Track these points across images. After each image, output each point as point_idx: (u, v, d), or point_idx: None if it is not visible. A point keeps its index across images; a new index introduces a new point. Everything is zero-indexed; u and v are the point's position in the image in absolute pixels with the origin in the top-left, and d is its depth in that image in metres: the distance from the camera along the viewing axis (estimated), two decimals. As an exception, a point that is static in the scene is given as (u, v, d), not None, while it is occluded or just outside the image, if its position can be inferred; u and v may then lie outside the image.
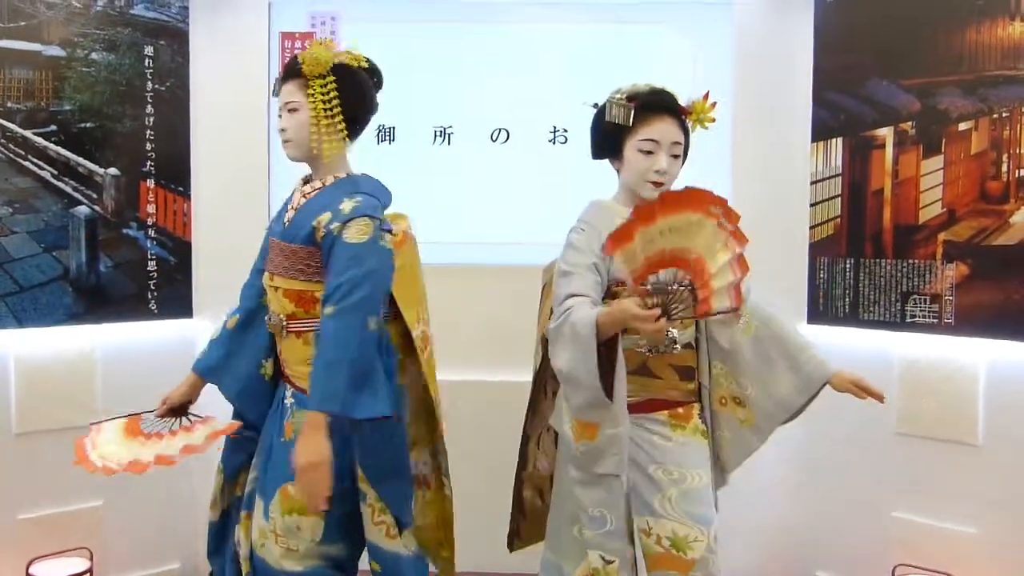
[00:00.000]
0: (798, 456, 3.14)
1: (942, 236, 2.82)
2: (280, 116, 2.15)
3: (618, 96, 2.22)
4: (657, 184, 2.18)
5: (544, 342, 2.32)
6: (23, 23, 2.80)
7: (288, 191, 2.26)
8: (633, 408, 2.16)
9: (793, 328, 2.32)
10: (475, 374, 3.16)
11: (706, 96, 2.24)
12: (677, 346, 2.20)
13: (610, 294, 2.18)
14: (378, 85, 2.30)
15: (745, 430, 2.30)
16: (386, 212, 2.18)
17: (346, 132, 2.17)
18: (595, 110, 2.35)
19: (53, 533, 2.89)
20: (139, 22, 3.00)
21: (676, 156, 2.20)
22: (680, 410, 2.25)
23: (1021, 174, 2.69)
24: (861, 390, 2.18)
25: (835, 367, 2.23)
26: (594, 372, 1.95)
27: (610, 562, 2.14)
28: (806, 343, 2.28)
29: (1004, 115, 2.73)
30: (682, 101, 2.24)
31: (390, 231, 2.12)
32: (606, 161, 3.10)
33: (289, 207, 2.19)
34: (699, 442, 2.26)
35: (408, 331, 2.19)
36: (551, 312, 2.25)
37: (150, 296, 3.04)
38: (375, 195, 2.15)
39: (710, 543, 2.13)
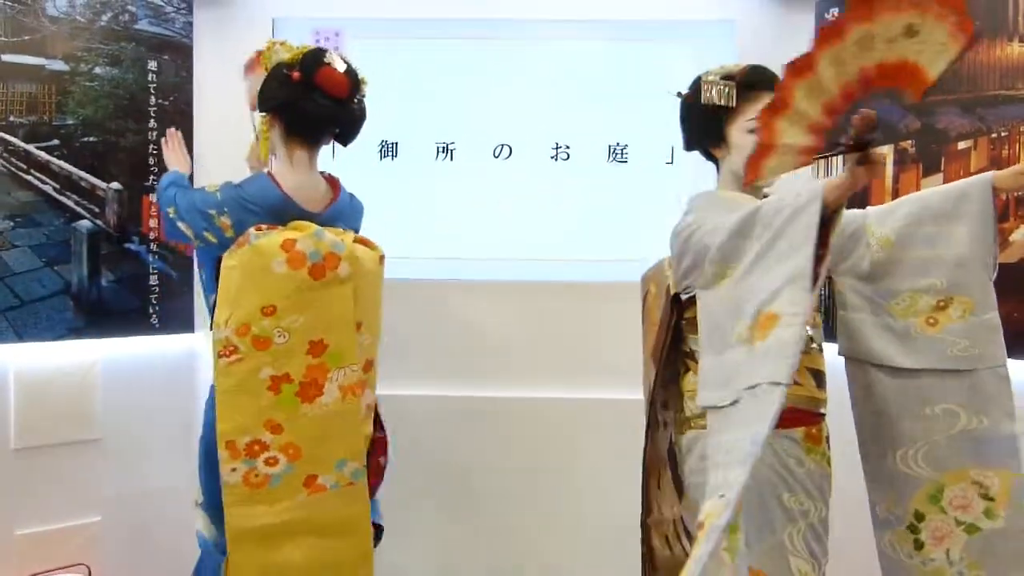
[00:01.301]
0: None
1: (942, 254, 2.83)
2: None
3: (711, 78, 2.08)
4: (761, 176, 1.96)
5: (653, 357, 2.17)
6: (27, 37, 2.80)
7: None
8: None
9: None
10: (477, 390, 3.16)
11: None
12: (814, 344, 2.04)
13: None
14: (320, 79, 2.24)
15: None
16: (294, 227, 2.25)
17: (265, 131, 2.32)
18: (681, 98, 2.20)
19: (51, 549, 2.87)
20: (143, 37, 3.01)
21: None
22: (814, 430, 2.05)
23: (1020, 194, 2.71)
24: None
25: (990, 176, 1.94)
26: (811, 242, 1.64)
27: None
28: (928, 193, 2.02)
29: (1003, 134, 2.75)
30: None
31: (221, 213, 2.24)
32: (608, 179, 3.16)
33: None
34: (825, 471, 2.07)
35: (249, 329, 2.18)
36: (665, 322, 2.11)
37: (151, 311, 3.03)
38: (241, 186, 2.28)
39: None
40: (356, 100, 2.34)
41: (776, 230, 1.73)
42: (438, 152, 3.21)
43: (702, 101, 2.07)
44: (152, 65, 3.02)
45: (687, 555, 2.07)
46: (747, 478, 1.54)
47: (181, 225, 2.33)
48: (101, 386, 2.96)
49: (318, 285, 2.19)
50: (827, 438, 2.10)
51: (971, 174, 2.74)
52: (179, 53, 3.09)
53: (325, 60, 2.25)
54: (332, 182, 2.45)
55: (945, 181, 2.84)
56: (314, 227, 2.23)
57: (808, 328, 1.96)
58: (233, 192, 2.28)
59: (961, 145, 2.82)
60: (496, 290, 3.19)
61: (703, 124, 2.13)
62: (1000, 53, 2.75)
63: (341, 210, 2.40)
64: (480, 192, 3.20)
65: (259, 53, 2.39)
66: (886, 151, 2.95)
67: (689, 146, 2.24)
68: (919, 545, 2.00)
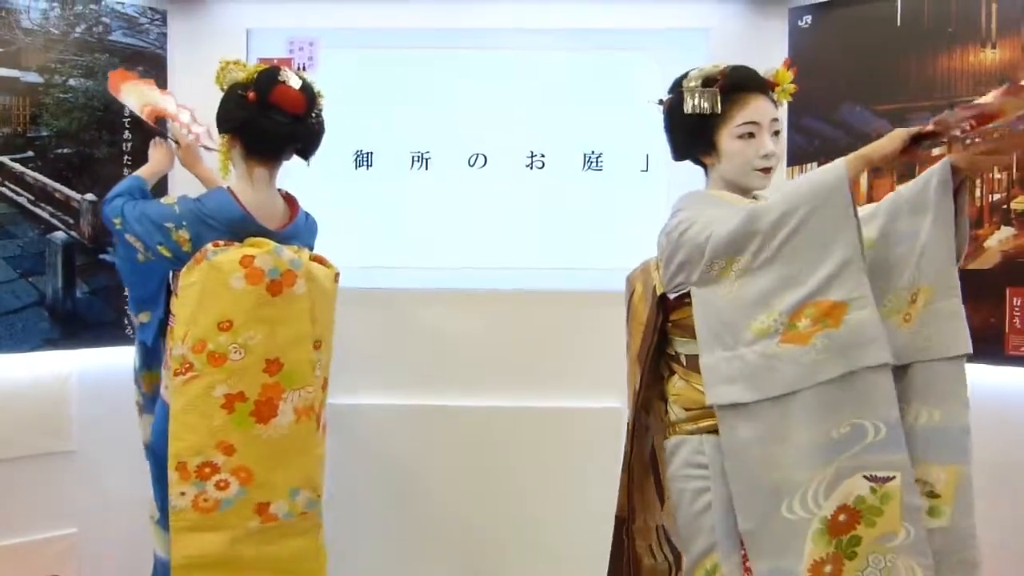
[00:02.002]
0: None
1: (917, 260, 2.83)
2: None
3: (692, 84, 1.98)
4: (765, 171, 1.98)
5: (639, 359, 2.10)
6: (0, 49, 2.80)
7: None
8: None
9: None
10: (453, 400, 3.15)
11: (787, 63, 2.07)
12: None
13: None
14: (275, 97, 2.26)
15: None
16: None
17: (225, 151, 2.33)
18: (664, 107, 2.11)
19: (26, 561, 2.86)
20: (117, 48, 3.01)
21: (778, 133, 2.00)
22: None
23: (995, 199, 2.71)
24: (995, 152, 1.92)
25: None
26: (849, 211, 1.68)
27: (887, 479, 1.74)
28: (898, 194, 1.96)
29: (976, 140, 2.74)
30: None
31: (179, 227, 2.25)
32: (583, 187, 3.16)
33: None
34: None
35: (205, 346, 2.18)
36: (652, 323, 2.04)
37: (127, 322, 3.02)
38: (201, 201, 2.30)
39: None
40: (314, 115, 2.35)
41: (802, 217, 1.72)
42: (413, 161, 3.21)
43: (686, 110, 1.98)
44: (126, 76, 3.03)
45: (668, 563, 2.08)
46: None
47: (129, 237, 2.33)
48: (76, 398, 2.96)
49: (276, 301, 2.19)
50: None
51: (944, 180, 2.76)
52: (153, 64, 3.09)
53: (280, 78, 2.26)
54: (290, 200, 2.46)
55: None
56: (272, 244, 2.23)
57: None
58: (192, 206, 2.28)
59: (935, 151, 2.82)
60: (472, 299, 3.19)
61: (690, 133, 2.03)
62: (973, 59, 2.75)
63: (298, 228, 2.42)
64: (456, 201, 3.20)
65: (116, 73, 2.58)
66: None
67: (677, 156, 2.14)
68: None
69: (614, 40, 3.19)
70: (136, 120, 3.03)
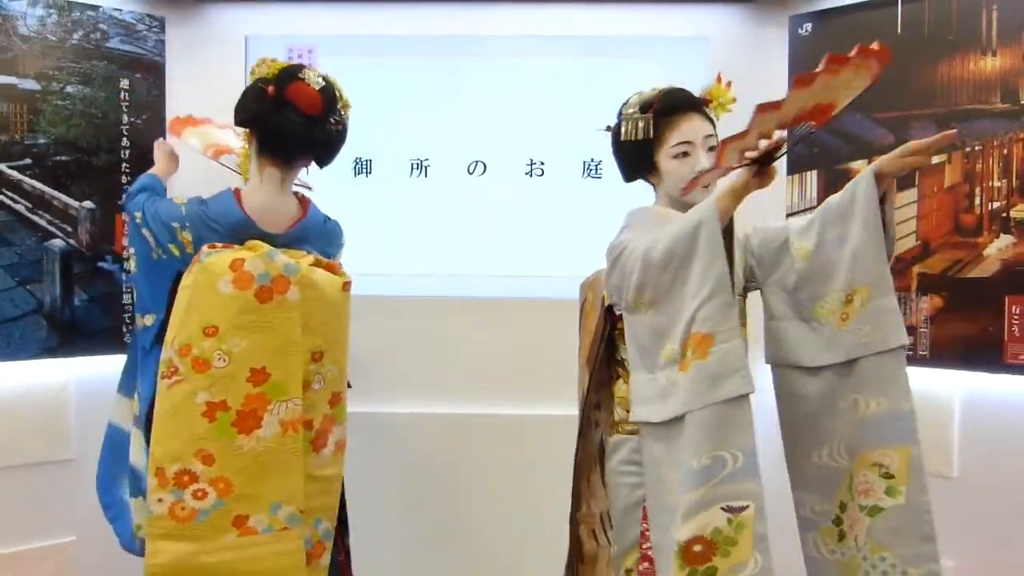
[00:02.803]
0: (774, 492, 3.13)
1: (916, 268, 2.84)
2: None
3: (630, 111, 2.12)
4: (704, 186, 2.04)
5: (588, 364, 2.23)
6: (-2, 56, 2.80)
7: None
8: None
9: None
10: (452, 407, 3.15)
11: (719, 78, 2.15)
12: None
13: None
14: (290, 93, 2.21)
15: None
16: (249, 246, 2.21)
17: (246, 146, 2.31)
18: (610, 133, 2.23)
19: (26, 569, 2.86)
20: (115, 55, 3.00)
21: (713, 149, 2.08)
22: None
23: (994, 207, 2.72)
24: (917, 152, 1.92)
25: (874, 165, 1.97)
26: (716, 246, 1.79)
27: (741, 509, 1.80)
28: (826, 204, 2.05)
29: (977, 148, 2.75)
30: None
31: (183, 228, 2.24)
32: (582, 195, 3.16)
33: None
34: None
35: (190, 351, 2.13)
36: (599, 332, 2.18)
37: (125, 330, 3.02)
38: (206, 203, 2.28)
39: None
40: (333, 120, 2.28)
41: (680, 256, 1.84)
42: (412, 169, 3.21)
43: (622, 137, 2.12)
44: (124, 83, 3.02)
45: (611, 546, 2.19)
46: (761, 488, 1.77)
47: (145, 232, 2.30)
48: (74, 406, 2.95)
49: (264, 309, 2.12)
50: None
51: (945, 189, 2.77)
52: (151, 71, 3.08)
53: (299, 76, 2.21)
54: (303, 203, 2.39)
55: (920, 196, 2.84)
56: (266, 248, 2.17)
57: None
58: (197, 208, 2.26)
59: (935, 160, 2.82)
60: (471, 306, 3.19)
61: (632, 157, 2.16)
62: (974, 67, 2.75)
63: (307, 232, 2.35)
64: (455, 208, 3.20)
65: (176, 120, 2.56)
66: (859, 166, 2.95)
67: (626, 177, 2.26)
68: (841, 536, 2.03)
69: (614, 47, 3.19)
70: (135, 127, 3.03)
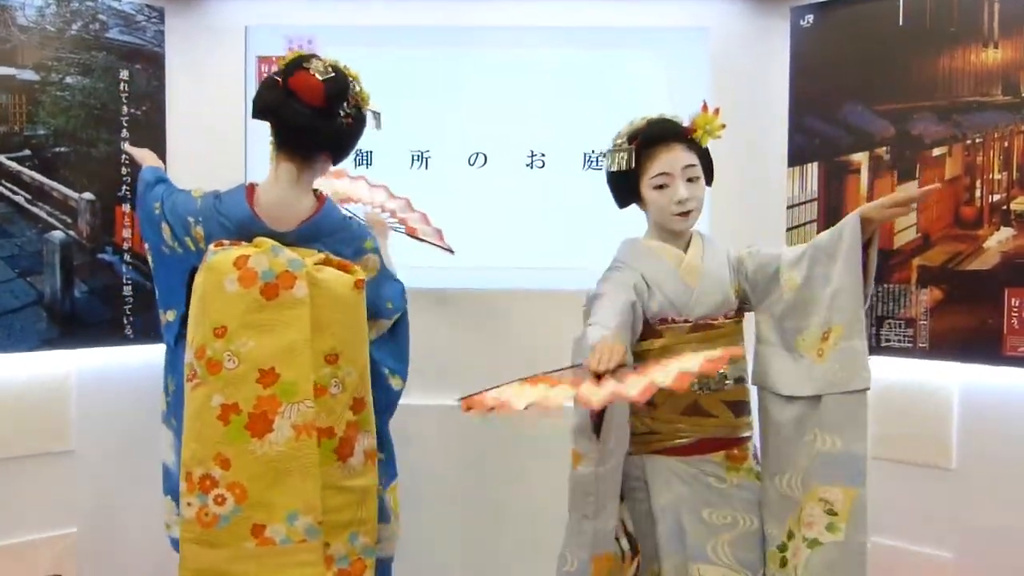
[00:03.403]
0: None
1: (916, 261, 2.84)
2: None
3: (618, 141, 2.21)
4: (683, 215, 2.17)
5: None
6: (-4, 47, 2.78)
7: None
8: (686, 450, 2.16)
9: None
10: (445, 398, 3.13)
11: (704, 107, 2.20)
12: (728, 381, 2.17)
13: (653, 332, 2.17)
14: (293, 83, 2.16)
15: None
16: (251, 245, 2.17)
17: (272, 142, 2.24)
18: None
19: (26, 561, 2.86)
20: (114, 46, 2.98)
21: (693, 179, 2.17)
22: (736, 451, 2.21)
23: (995, 199, 2.72)
24: (904, 204, 2.07)
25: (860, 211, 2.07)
26: None
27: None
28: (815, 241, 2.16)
29: (977, 141, 2.75)
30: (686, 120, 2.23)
31: (196, 222, 2.22)
32: (583, 187, 3.16)
33: None
34: (752, 484, 2.22)
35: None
36: None
37: (125, 321, 3.01)
38: (220, 198, 2.25)
39: None
40: (342, 112, 2.20)
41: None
42: (413, 160, 3.20)
43: (607, 168, 2.23)
44: (124, 74, 3.00)
45: (623, 551, 2.26)
46: None
47: (163, 225, 2.27)
48: (75, 397, 2.95)
49: (270, 306, 2.06)
50: (754, 455, 2.25)
51: (946, 181, 2.77)
52: (151, 62, 3.06)
53: (304, 66, 2.15)
54: (320, 200, 2.30)
55: (920, 187, 2.84)
56: (270, 243, 2.12)
57: (725, 366, 2.10)
58: (211, 203, 2.23)
59: (936, 152, 2.82)
60: (471, 299, 3.19)
61: (619, 186, 2.27)
62: (975, 59, 2.75)
63: (319, 230, 2.26)
64: (455, 200, 3.19)
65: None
66: (860, 158, 2.95)
67: (619, 205, 2.34)
68: (783, 563, 2.12)
69: (615, 38, 3.18)
70: (134, 118, 3.02)
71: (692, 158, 2.17)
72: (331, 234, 2.29)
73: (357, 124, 2.27)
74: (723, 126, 2.21)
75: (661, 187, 2.15)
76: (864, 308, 2.07)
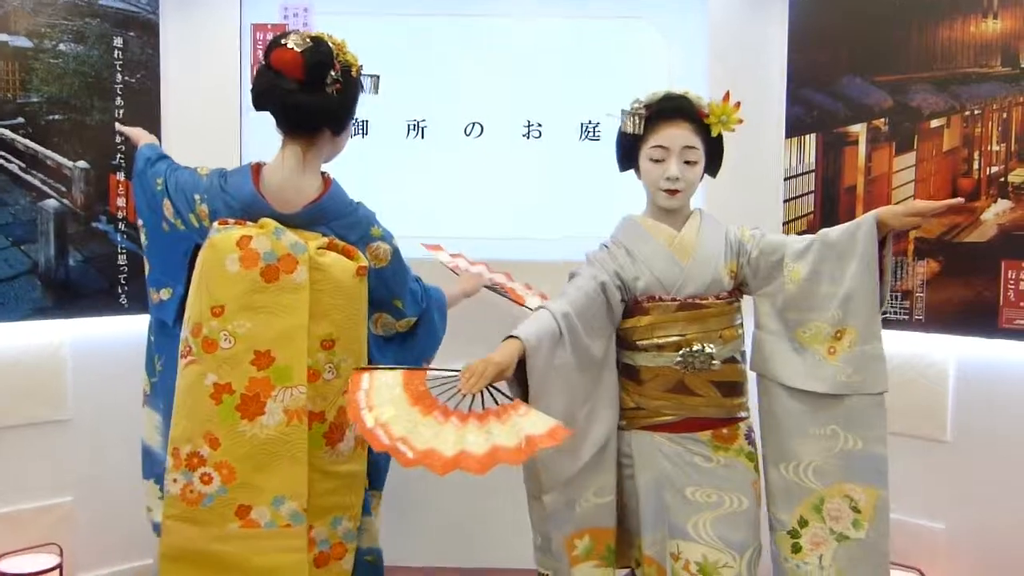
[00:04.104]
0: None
1: (913, 233, 2.83)
2: None
3: (635, 105, 2.19)
4: (671, 192, 2.17)
5: None
6: (-11, 13, 2.76)
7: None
8: (671, 427, 2.16)
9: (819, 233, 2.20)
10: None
11: (726, 97, 2.17)
12: (715, 362, 2.13)
13: (640, 309, 2.18)
14: (273, 59, 2.11)
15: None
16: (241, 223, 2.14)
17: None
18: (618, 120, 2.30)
19: (22, 529, 2.87)
20: (108, 13, 2.96)
21: (690, 162, 2.17)
22: (724, 430, 2.18)
23: (992, 172, 2.71)
24: (922, 213, 2.02)
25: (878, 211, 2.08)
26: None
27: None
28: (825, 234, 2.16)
29: (976, 112, 2.74)
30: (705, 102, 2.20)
31: (202, 200, 2.17)
32: (580, 157, 3.15)
33: None
34: (742, 464, 2.19)
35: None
36: None
37: (120, 290, 3.01)
38: (226, 177, 2.21)
39: (741, 570, 2.10)
40: (329, 81, 2.12)
41: None
42: (409, 130, 3.19)
43: (621, 129, 2.23)
44: (118, 42, 2.98)
45: None
46: None
47: (165, 201, 2.22)
48: (70, 366, 2.95)
49: (270, 288, 2.03)
50: (747, 435, 2.23)
51: (944, 152, 2.76)
52: (145, 30, 3.04)
53: (281, 41, 2.10)
54: (327, 183, 2.24)
55: (918, 160, 2.83)
56: (275, 225, 2.08)
57: (711, 345, 2.12)
58: (217, 181, 2.18)
59: (934, 123, 2.81)
60: (467, 269, 3.17)
61: (623, 149, 2.29)
62: (974, 30, 2.73)
63: (324, 213, 2.19)
64: (452, 170, 3.18)
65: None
66: (858, 129, 2.94)
67: (620, 167, 2.35)
68: (796, 549, 2.16)
69: (613, 8, 3.16)
70: (128, 86, 3.00)
71: (695, 141, 2.16)
72: (337, 218, 2.21)
73: (348, 91, 2.19)
74: (740, 121, 2.19)
75: (657, 160, 2.16)
76: (881, 310, 2.09)
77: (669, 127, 2.15)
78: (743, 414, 2.22)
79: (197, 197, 2.17)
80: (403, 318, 2.33)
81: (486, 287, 2.74)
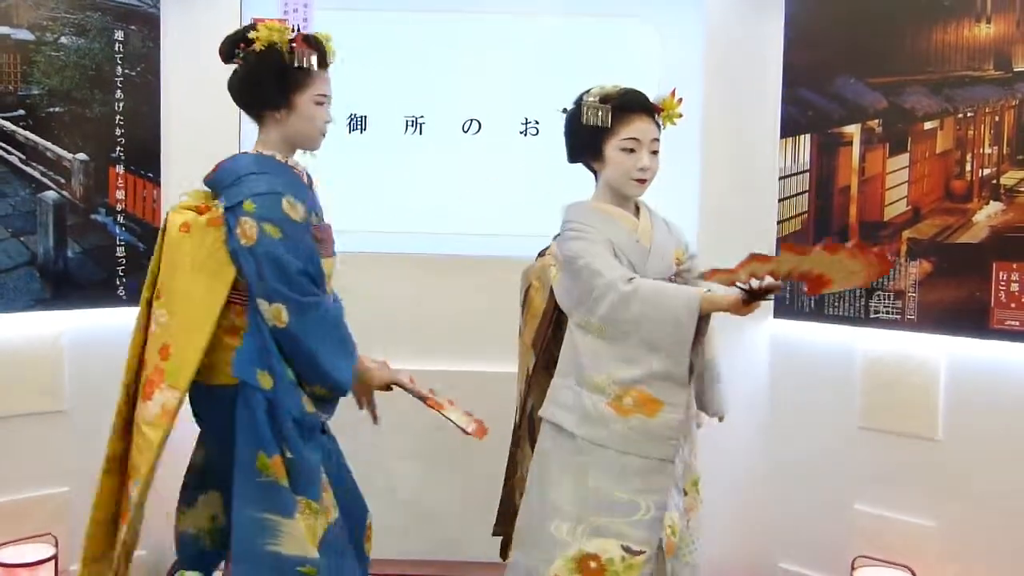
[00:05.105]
0: (764, 449, 3.17)
1: (906, 233, 2.86)
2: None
3: (591, 99, 2.27)
4: (641, 181, 2.27)
5: (534, 345, 2.44)
6: (-9, 6, 2.77)
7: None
8: None
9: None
10: (443, 364, 3.16)
11: (673, 93, 2.31)
12: None
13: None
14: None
15: None
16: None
17: None
18: (566, 115, 2.41)
19: (18, 519, 2.87)
20: (109, 6, 2.98)
21: (655, 152, 2.28)
22: None
23: (985, 173, 2.74)
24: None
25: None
26: (687, 344, 2.06)
27: (638, 552, 2.11)
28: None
29: (969, 115, 2.77)
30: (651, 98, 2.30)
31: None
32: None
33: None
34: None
35: None
36: (549, 315, 2.40)
37: (118, 282, 3.02)
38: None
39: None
40: (238, 60, 2.21)
41: (652, 326, 2.08)
42: (407, 126, 3.21)
43: (583, 122, 2.28)
44: (119, 35, 3.00)
45: None
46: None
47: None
48: (67, 358, 2.96)
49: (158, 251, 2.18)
50: None
51: (937, 154, 2.79)
52: (146, 23, 3.06)
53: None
54: (243, 156, 2.25)
55: (911, 161, 2.86)
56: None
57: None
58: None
59: (928, 125, 2.84)
60: (464, 265, 3.19)
61: (583, 140, 2.34)
62: (968, 34, 2.76)
63: (215, 183, 2.20)
64: (449, 167, 3.19)
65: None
66: (852, 130, 2.96)
67: (571, 158, 2.43)
68: None
69: (610, 6, 3.19)
70: (129, 79, 3.02)
71: (657, 132, 2.28)
72: (224, 188, 2.17)
73: (251, 65, 2.18)
74: (681, 115, 2.32)
75: (629, 151, 2.24)
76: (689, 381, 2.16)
77: (637, 120, 2.24)
78: None
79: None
80: (272, 310, 2.09)
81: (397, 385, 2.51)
